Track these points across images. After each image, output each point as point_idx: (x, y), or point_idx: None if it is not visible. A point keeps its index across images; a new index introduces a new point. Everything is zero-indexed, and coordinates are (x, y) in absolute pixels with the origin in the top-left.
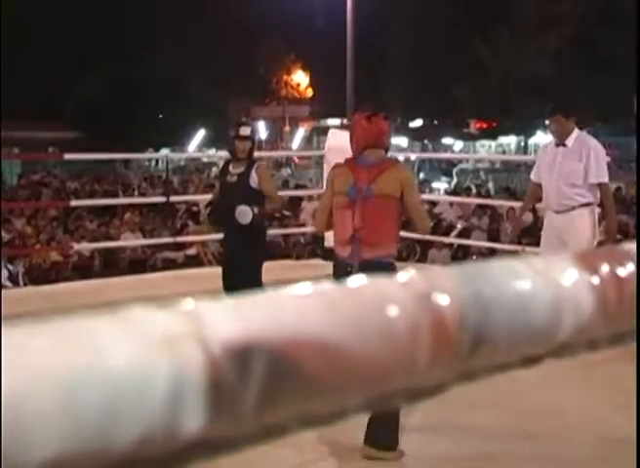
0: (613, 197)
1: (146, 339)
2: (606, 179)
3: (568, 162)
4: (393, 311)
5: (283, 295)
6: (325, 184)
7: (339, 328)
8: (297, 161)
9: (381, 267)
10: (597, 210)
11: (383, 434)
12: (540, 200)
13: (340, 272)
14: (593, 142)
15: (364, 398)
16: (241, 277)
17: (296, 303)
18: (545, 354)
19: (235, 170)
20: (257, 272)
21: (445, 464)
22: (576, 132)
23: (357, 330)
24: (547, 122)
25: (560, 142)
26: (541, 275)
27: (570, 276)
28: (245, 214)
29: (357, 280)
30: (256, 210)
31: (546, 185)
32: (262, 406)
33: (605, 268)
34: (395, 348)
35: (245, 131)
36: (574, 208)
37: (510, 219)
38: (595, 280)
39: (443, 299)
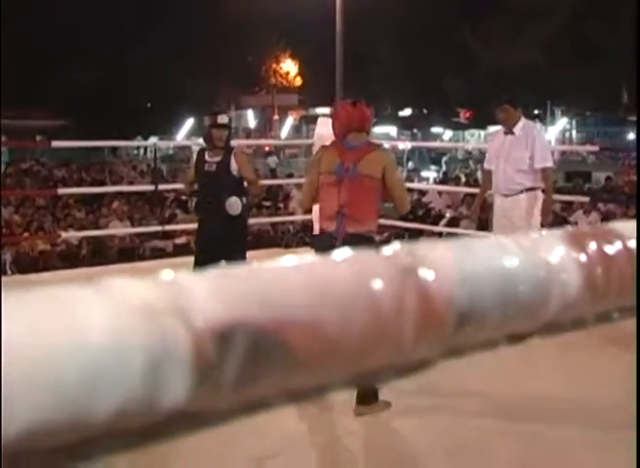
0: (552, 180)
1: (126, 310)
2: (549, 164)
3: (515, 149)
4: (378, 285)
5: (266, 269)
6: (311, 164)
7: (322, 302)
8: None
9: (364, 240)
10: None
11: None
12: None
13: (324, 244)
14: (537, 131)
15: (348, 373)
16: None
17: (279, 277)
18: (532, 332)
19: (213, 158)
20: (243, 258)
21: (432, 449)
22: (522, 120)
23: (341, 304)
24: (496, 111)
25: (508, 130)
26: (529, 252)
27: (557, 253)
28: (235, 205)
29: (341, 253)
30: (245, 200)
31: (496, 171)
32: (244, 380)
33: (593, 246)
34: (380, 323)
35: (223, 119)
36: (521, 191)
37: (470, 206)
38: (583, 257)
39: (429, 274)
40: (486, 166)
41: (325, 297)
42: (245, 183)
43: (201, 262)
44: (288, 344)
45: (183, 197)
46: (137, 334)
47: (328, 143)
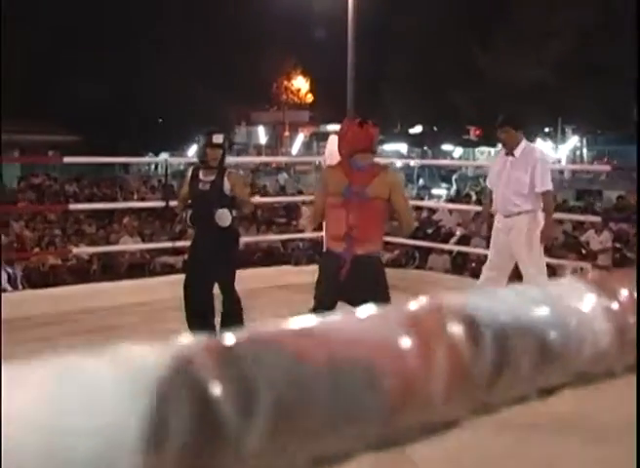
0: (552, 204)
1: (137, 385)
2: (549, 188)
3: (515, 171)
4: (405, 343)
5: (282, 333)
6: (318, 185)
7: (347, 361)
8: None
9: (371, 261)
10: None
11: None
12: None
13: (333, 265)
14: (539, 154)
15: (376, 435)
16: (219, 275)
17: (297, 341)
18: (563, 384)
19: (206, 177)
20: (233, 273)
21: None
22: (524, 142)
23: (367, 363)
24: (497, 132)
25: (509, 152)
26: (559, 301)
27: (588, 302)
28: (225, 216)
29: (365, 310)
30: (234, 213)
31: (496, 191)
32: (267, 444)
33: (624, 293)
34: (408, 384)
35: (218, 138)
36: (519, 213)
37: (477, 223)
38: (614, 306)
39: (458, 329)
40: (488, 185)
41: (350, 356)
42: (236, 202)
43: (193, 279)
44: (314, 409)
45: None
46: (146, 404)
47: (334, 163)
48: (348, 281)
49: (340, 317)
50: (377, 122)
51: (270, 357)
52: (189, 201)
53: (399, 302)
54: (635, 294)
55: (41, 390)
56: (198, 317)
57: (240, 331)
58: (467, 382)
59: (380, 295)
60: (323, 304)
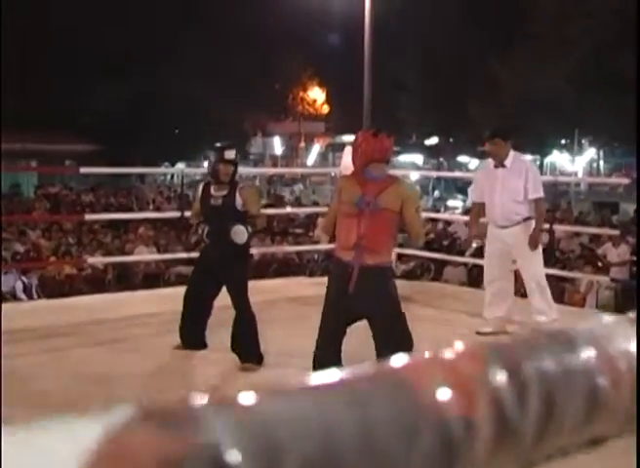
0: (544, 211)
1: None
2: (541, 194)
3: (510, 181)
4: (443, 396)
5: (301, 393)
6: (333, 194)
7: (381, 420)
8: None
9: (381, 272)
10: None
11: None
12: (481, 217)
13: (341, 273)
14: (529, 162)
15: None
16: (230, 288)
17: (321, 401)
18: (612, 433)
19: (218, 192)
20: (245, 286)
21: None
22: (512, 153)
23: (402, 422)
24: (486, 144)
25: (499, 164)
26: (605, 344)
27: (635, 343)
28: (241, 233)
29: (398, 360)
30: (250, 229)
31: (491, 204)
32: None
33: None
34: (448, 443)
35: (230, 154)
36: (518, 222)
37: (468, 237)
38: None
39: (500, 378)
40: (475, 199)
41: (384, 416)
42: (248, 216)
43: (198, 288)
44: None
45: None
46: None
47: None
48: (357, 291)
49: (369, 368)
50: (390, 133)
51: (298, 423)
52: (201, 217)
53: (434, 347)
54: None
55: None
56: (193, 324)
57: (260, 388)
58: (512, 438)
59: (390, 307)
60: (330, 322)
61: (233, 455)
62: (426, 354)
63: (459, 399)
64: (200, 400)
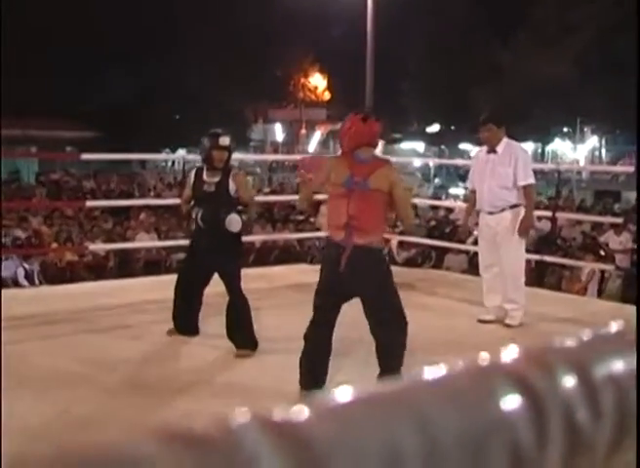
0: (534, 197)
1: None
2: (531, 181)
3: (499, 167)
4: (511, 405)
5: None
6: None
7: (447, 438)
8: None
9: (371, 251)
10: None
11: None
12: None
13: (333, 253)
14: (520, 149)
15: None
16: (223, 273)
17: (380, 419)
18: None
19: (211, 178)
20: (238, 271)
21: None
22: (505, 139)
23: (468, 435)
24: (479, 129)
25: (491, 149)
26: None
27: None
28: (236, 222)
29: (458, 368)
30: (244, 218)
31: (480, 189)
32: None
33: None
34: (518, 451)
35: (224, 141)
36: (504, 209)
37: (462, 225)
38: None
39: (570, 384)
40: (470, 186)
41: (446, 439)
42: (240, 202)
43: (189, 276)
44: None
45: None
46: None
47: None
48: (349, 270)
49: (428, 376)
50: (379, 117)
51: (357, 445)
52: (192, 202)
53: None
54: None
55: None
56: (186, 310)
57: (309, 402)
58: (585, 448)
59: (382, 286)
60: (323, 303)
61: None
62: (485, 359)
63: (528, 409)
64: (240, 419)
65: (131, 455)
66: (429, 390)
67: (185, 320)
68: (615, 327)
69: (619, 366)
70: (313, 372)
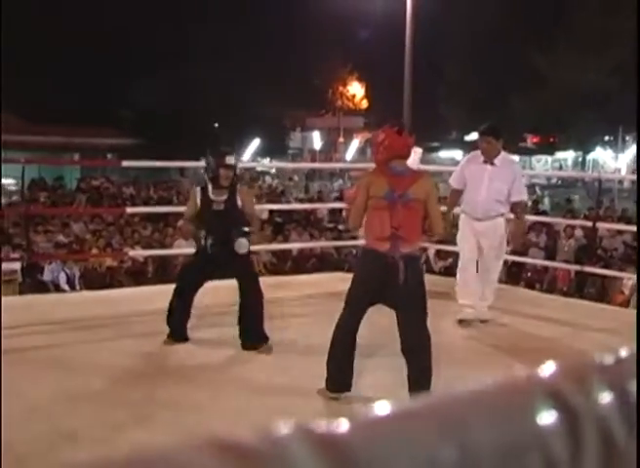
0: (525, 211)
1: None
2: (525, 197)
3: (496, 181)
4: (547, 419)
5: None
6: (359, 187)
7: (482, 449)
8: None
9: (416, 260)
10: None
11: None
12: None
13: (377, 263)
14: (517, 165)
15: None
16: (242, 278)
17: (416, 431)
18: None
19: (218, 197)
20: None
21: None
22: (502, 153)
23: (504, 448)
24: (479, 139)
25: (488, 160)
26: None
27: None
28: (244, 245)
29: (496, 383)
30: (250, 239)
31: (474, 197)
32: None
33: None
34: (554, 467)
35: (230, 160)
36: (494, 217)
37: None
38: None
39: (607, 399)
40: (455, 186)
41: (481, 449)
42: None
43: (193, 285)
44: None
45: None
46: None
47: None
48: (397, 279)
49: (464, 392)
50: (411, 131)
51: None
52: (200, 221)
53: (530, 365)
54: None
55: None
56: (185, 317)
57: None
58: (620, 464)
59: (418, 297)
60: (355, 309)
61: None
62: (522, 374)
63: (563, 423)
64: (284, 431)
65: (183, 463)
66: (466, 405)
67: (183, 327)
68: None
69: None
70: (340, 375)
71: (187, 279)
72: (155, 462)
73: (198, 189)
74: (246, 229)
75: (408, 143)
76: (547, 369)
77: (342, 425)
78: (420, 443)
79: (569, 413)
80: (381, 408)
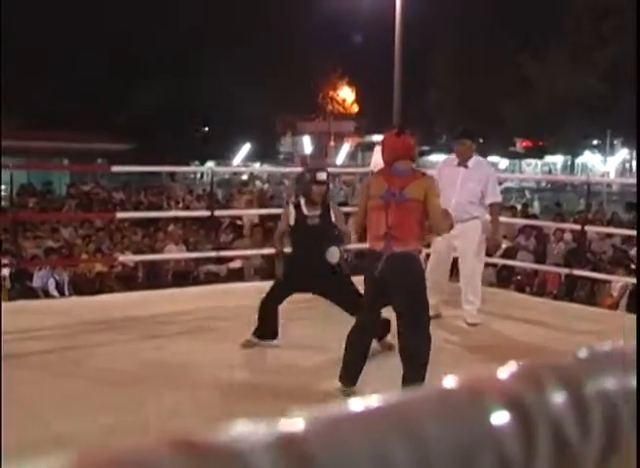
0: (499, 213)
1: None
2: (499, 199)
3: (469, 182)
4: (500, 420)
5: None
6: (361, 191)
7: (437, 451)
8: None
9: (408, 257)
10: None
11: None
12: None
13: (372, 262)
14: (490, 167)
15: None
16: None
17: (373, 432)
18: None
19: (312, 212)
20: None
21: None
22: (475, 156)
23: (457, 448)
24: (454, 143)
25: (462, 163)
26: None
27: None
28: (335, 253)
29: (451, 383)
30: (342, 249)
31: (447, 200)
32: None
33: None
34: (506, 466)
35: (322, 176)
36: (467, 220)
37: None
38: None
39: (560, 399)
40: None
41: (436, 451)
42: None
43: (284, 297)
44: None
45: (238, 222)
46: None
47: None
48: (386, 275)
49: (420, 392)
50: (413, 131)
51: (349, 458)
52: (290, 236)
53: (486, 368)
54: None
55: None
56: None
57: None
58: (573, 463)
59: (413, 292)
60: (367, 308)
61: None
62: (478, 375)
63: (517, 424)
64: (240, 430)
65: (140, 461)
66: (421, 405)
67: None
68: (611, 344)
69: (609, 383)
70: (350, 371)
71: (279, 295)
72: (110, 460)
73: (292, 206)
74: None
75: (407, 144)
76: (504, 369)
77: (300, 423)
78: (376, 441)
79: (522, 413)
80: (337, 407)
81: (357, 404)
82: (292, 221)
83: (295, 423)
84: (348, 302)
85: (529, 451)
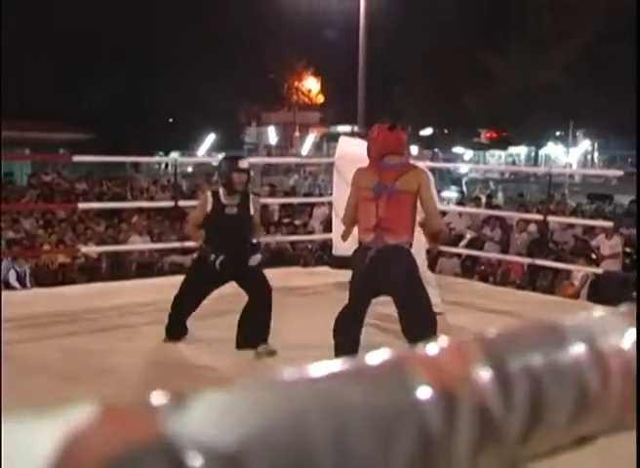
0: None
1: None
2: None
3: None
4: (424, 395)
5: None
6: (350, 185)
7: (358, 425)
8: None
9: (399, 250)
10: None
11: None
12: None
13: (363, 254)
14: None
15: None
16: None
17: (294, 404)
18: (602, 431)
19: (231, 201)
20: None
21: None
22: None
23: (378, 421)
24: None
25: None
26: (597, 338)
27: (629, 337)
28: (257, 260)
29: (376, 357)
30: (261, 252)
31: None
32: None
33: None
34: (427, 439)
35: (243, 163)
36: None
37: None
38: None
39: (485, 374)
40: None
41: (356, 426)
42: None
43: (199, 293)
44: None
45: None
46: None
47: (352, 168)
48: (376, 269)
49: (345, 366)
50: (405, 126)
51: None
52: (206, 226)
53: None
54: None
55: None
56: (185, 319)
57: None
58: (496, 437)
59: (408, 283)
60: (356, 300)
61: (194, 459)
62: (407, 350)
63: (439, 397)
64: (160, 398)
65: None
66: (341, 377)
67: (184, 327)
68: (540, 321)
69: (535, 359)
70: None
71: (193, 290)
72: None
73: (209, 193)
74: (254, 241)
75: (400, 139)
76: (432, 345)
77: (224, 393)
78: (295, 411)
79: (445, 386)
80: (256, 381)
81: (280, 375)
82: (209, 209)
83: (212, 392)
84: (265, 293)
85: (450, 424)
